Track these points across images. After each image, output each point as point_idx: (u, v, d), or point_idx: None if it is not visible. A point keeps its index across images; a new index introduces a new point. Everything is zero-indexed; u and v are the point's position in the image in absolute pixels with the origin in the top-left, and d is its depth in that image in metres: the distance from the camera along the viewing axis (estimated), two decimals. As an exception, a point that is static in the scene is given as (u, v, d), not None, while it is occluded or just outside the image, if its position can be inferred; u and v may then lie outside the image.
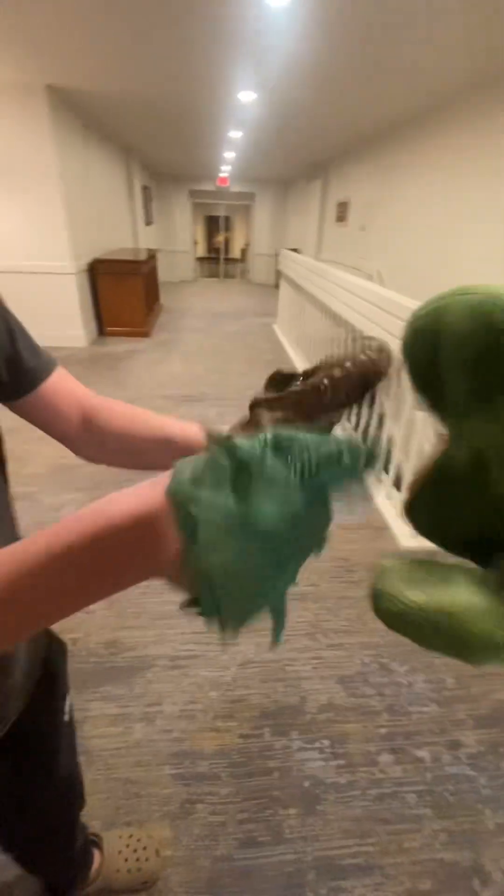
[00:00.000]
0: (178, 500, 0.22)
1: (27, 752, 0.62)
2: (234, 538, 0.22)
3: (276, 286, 6.10)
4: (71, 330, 4.74)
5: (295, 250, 6.30)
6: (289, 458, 0.23)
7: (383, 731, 1.30)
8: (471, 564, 0.25)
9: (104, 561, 0.23)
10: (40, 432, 0.51)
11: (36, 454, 2.45)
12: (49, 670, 0.62)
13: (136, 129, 5.23)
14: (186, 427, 0.46)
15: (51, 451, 2.54)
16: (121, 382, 3.86)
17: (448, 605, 0.21)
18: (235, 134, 5.32)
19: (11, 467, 0.53)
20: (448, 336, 0.21)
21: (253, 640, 1.54)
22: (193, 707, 1.33)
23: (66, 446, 0.51)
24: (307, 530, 0.24)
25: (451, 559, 0.25)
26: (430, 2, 2.05)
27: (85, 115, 4.65)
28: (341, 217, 6.20)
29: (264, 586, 0.24)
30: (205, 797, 1.13)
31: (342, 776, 1.18)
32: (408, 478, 2.19)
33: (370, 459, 0.24)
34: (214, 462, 0.23)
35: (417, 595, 0.22)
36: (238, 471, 0.22)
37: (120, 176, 6.64)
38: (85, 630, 1.53)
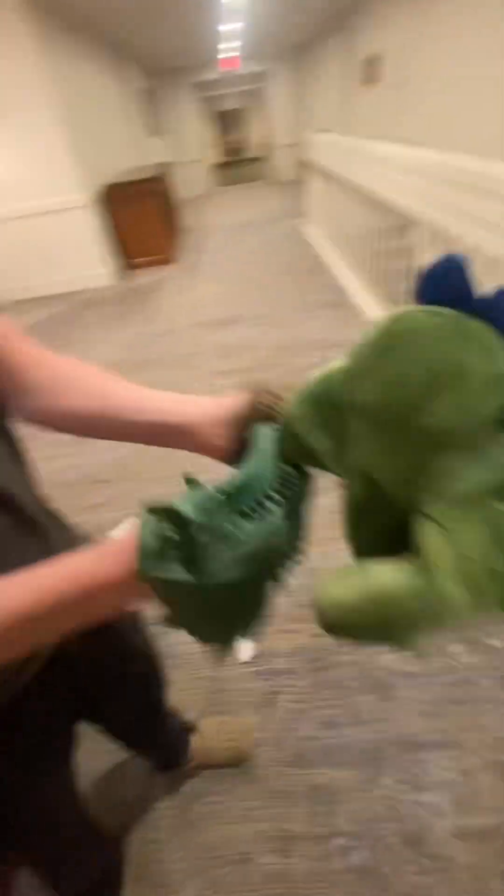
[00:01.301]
0: (149, 576, 0.29)
1: (104, 640, 0.66)
2: (190, 597, 0.30)
3: (300, 181, 5.45)
4: (92, 269, 4.57)
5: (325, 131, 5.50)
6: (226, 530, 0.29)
7: (454, 624, 1.30)
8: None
9: (85, 611, 0.32)
10: None
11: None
12: None
13: (124, 15, 4.55)
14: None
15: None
16: (151, 318, 3.76)
17: (376, 592, 0.24)
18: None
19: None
20: (299, 419, 0.33)
21: (318, 549, 1.56)
22: (265, 613, 1.40)
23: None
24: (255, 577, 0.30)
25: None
26: None
27: (67, 14, 4.09)
28: (372, 78, 5.24)
29: (226, 623, 0.33)
30: (285, 689, 1.22)
31: (415, 665, 1.22)
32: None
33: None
34: (167, 536, 0.29)
35: (349, 593, 0.25)
36: (187, 543, 0.29)
37: (115, 81, 5.95)
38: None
